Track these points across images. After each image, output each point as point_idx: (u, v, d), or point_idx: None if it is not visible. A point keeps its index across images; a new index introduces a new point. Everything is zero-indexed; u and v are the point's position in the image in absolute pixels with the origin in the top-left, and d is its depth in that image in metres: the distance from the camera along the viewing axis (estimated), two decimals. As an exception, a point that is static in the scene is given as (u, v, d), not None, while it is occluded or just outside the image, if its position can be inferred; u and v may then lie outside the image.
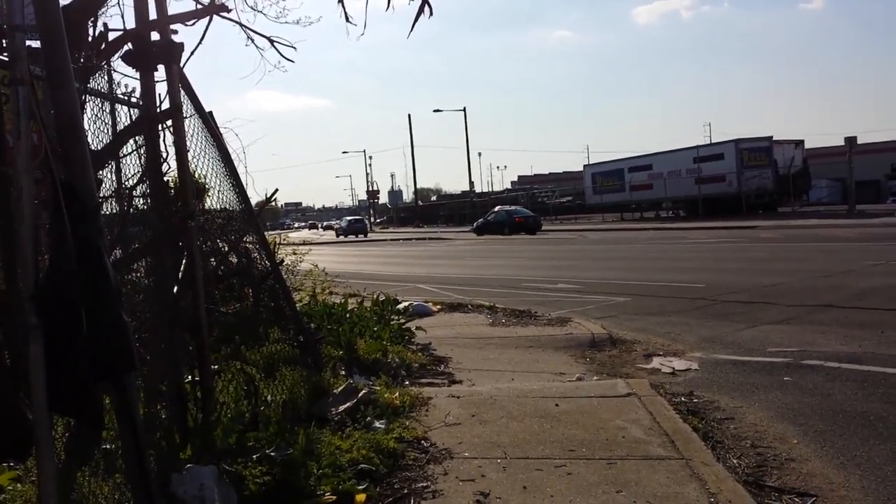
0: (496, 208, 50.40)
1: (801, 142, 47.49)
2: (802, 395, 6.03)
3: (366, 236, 62.11)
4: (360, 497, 3.77)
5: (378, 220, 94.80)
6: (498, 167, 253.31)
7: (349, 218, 74.09)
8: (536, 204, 68.07)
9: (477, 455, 4.58)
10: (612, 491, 3.94)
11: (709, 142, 58.84)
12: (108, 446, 3.52)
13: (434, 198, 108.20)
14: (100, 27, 4.24)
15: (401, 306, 10.46)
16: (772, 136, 45.47)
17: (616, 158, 55.89)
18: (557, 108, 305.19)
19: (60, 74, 2.49)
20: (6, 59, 2.58)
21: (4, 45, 4.43)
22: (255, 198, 6.49)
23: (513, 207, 50.81)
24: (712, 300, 11.37)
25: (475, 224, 49.41)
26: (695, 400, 6.04)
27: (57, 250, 2.39)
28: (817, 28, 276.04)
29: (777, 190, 45.02)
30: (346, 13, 6.18)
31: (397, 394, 5.76)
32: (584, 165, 61.64)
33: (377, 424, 5.04)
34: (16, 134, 2.36)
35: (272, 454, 3.88)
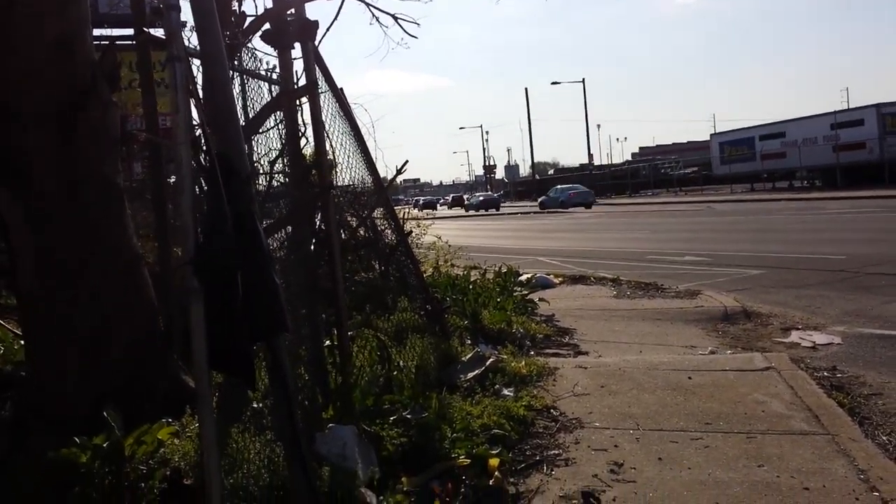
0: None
1: (951, 104, 43.53)
2: (959, 370, 5.60)
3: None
4: (494, 462, 3.81)
5: (496, 195, 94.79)
6: (618, 139, 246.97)
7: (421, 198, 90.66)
8: (659, 175, 66.05)
9: (608, 425, 4.54)
10: (753, 465, 3.82)
11: (846, 107, 54.95)
12: (256, 405, 3.73)
13: (551, 172, 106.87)
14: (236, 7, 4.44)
15: (523, 278, 10.45)
16: (918, 99, 41.96)
17: (746, 126, 53.23)
18: (680, 76, 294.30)
19: (215, 52, 2.62)
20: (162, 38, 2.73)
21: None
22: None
23: None
24: (854, 272, 10.69)
25: None
26: (838, 375, 5.73)
27: (214, 217, 2.53)
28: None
29: (924, 157, 41.60)
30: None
31: (524, 363, 5.78)
32: (711, 134, 59.01)
33: (506, 392, 5.08)
34: (174, 108, 2.51)
35: (408, 416, 4.00)
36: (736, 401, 4.87)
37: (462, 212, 64.97)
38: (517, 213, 50.27)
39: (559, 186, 57.00)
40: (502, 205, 67.58)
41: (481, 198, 68.91)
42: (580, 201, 49.18)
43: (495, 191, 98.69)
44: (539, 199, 56.09)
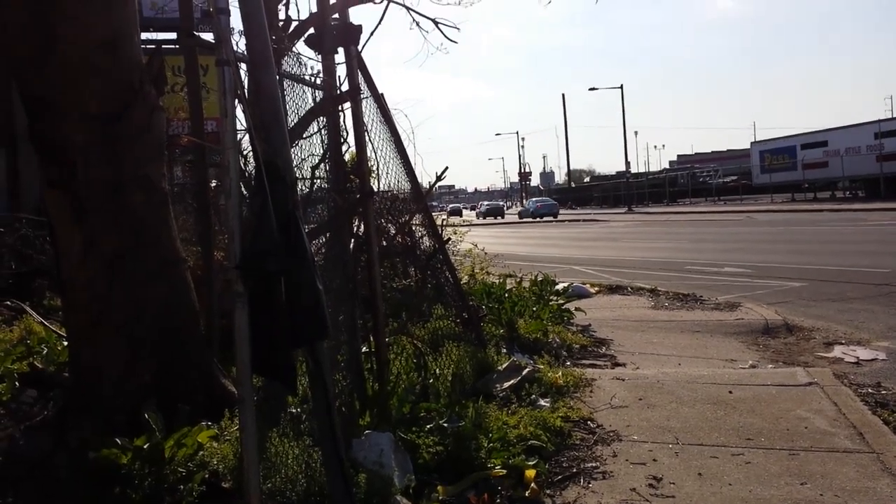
0: None
1: None
2: None
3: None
4: (530, 473, 3.77)
5: (500, 203, 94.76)
6: (655, 146, 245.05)
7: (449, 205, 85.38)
8: (698, 184, 65.26)
9: (647, 439, 4.47)
10: (795, 483, 3.73)
11: (890, 115, 53.72)
12: (293, 410, 3.74)
13: (587, 179, 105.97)
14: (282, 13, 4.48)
15: (559, 287, 10.36)
16: (966, 109, 40.93)
17: (787, 135, 52.30)
18: (720, 83, 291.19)
19: (262, 57, 2.64)
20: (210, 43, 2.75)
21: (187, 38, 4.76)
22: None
23: None
24: (899, 286, 10.44)
25: None
26: (883, 392, 5.58)
27: (259, 222, 2.54)
28: None
29: (973, 167, 40.51)
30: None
31: (560, 373, 5.72)
32: (752, 143, 58.15)
33: (542, 402, 5.03)
34: (222, 112, 2.53)
35: (444, 425, 3.97)
36: (778, 416, 4.77)
37: (474, 220, 66.20)
38: (552, 221, 50.07)
39: (533, 199, 67.73)
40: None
41: (486, 206, 74.95)
42: (546, 212, 57.33)
43: (530, 197, 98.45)
44: (518, 210, 64.84)
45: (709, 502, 3.57)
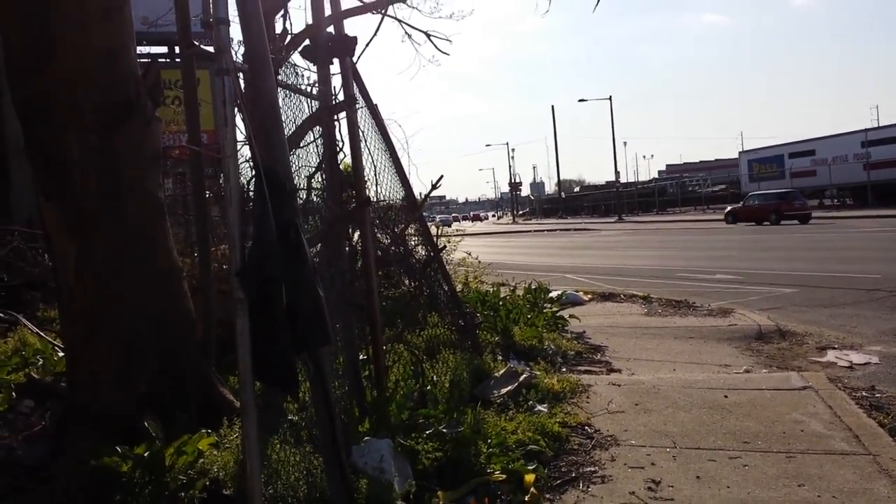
0: None
1: (985, 121, 42.71)
2: None
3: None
4: (530, 477, 3.79)
5: (521, 212, 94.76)
6: (644, 156, 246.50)
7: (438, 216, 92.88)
8: (687, 193, 65.56)
9: (644, 443, 4.50)
10: (793, 484, 3.76)
11: (877, 125, 54.20)
12: (292, 418, 3.74)
13: (577, 189, 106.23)
14: (279, 25, 4.51)
15: (553, 295, 10.39)
16: (952, 116, 41.28)
17: (775, 144, 52.64)
18: (708, 94, 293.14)
19: (262, 63, 2.66)
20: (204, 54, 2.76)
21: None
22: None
23: None
24: (889, 291, 10.51)
25: None
26: (877, 395, 5.62)
27: (259, 229, 2.56)
28: None
29: (958, 175, 40.81)
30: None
31: (556, 380, 5.75)
32: (740, 152, 58.51)
33: (539, 408, 5.05)
34: (222, 121, 2.54)
35: (443, 431, 3.98)
36: (774, 420, 4.80)
37: (478, 229, 67.42)
38: (544, 231, 50.18)
39: (440, 215, 79.71)
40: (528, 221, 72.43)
41: (440, 218, 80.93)
42: (445, 223, 66.09)
43: (521, 208, 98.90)
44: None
45: (707, 505, 3.59)
